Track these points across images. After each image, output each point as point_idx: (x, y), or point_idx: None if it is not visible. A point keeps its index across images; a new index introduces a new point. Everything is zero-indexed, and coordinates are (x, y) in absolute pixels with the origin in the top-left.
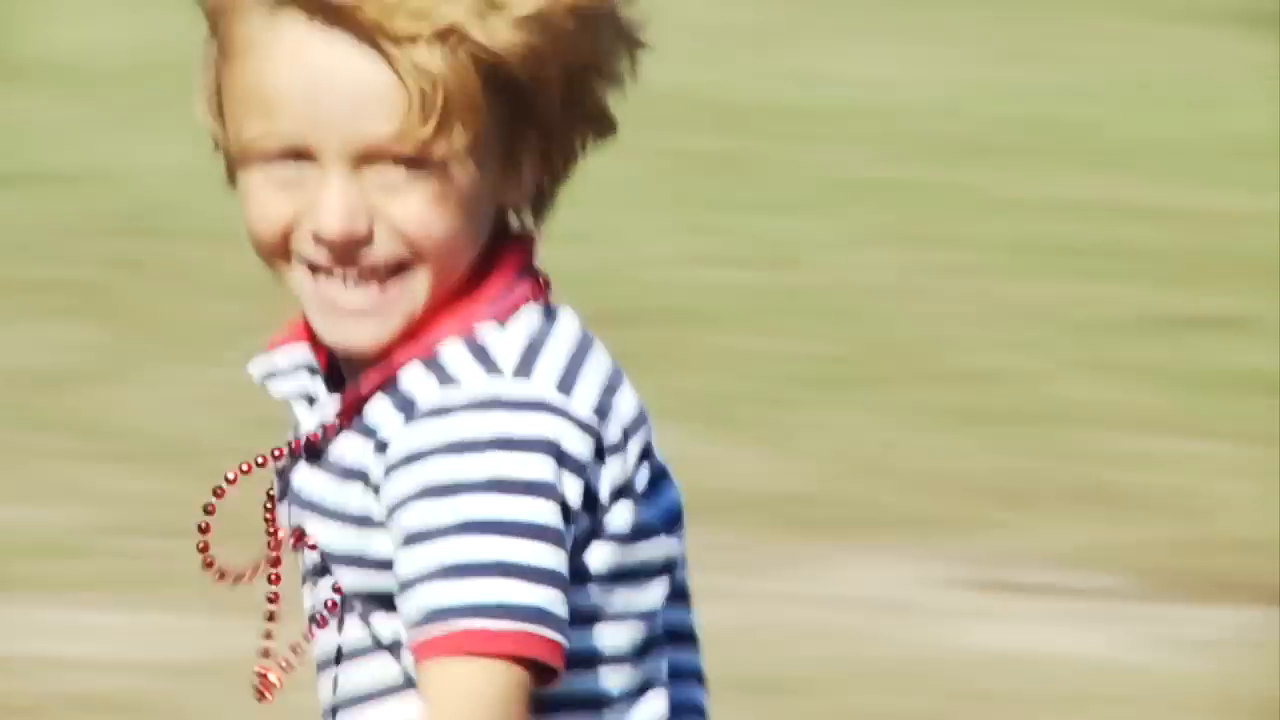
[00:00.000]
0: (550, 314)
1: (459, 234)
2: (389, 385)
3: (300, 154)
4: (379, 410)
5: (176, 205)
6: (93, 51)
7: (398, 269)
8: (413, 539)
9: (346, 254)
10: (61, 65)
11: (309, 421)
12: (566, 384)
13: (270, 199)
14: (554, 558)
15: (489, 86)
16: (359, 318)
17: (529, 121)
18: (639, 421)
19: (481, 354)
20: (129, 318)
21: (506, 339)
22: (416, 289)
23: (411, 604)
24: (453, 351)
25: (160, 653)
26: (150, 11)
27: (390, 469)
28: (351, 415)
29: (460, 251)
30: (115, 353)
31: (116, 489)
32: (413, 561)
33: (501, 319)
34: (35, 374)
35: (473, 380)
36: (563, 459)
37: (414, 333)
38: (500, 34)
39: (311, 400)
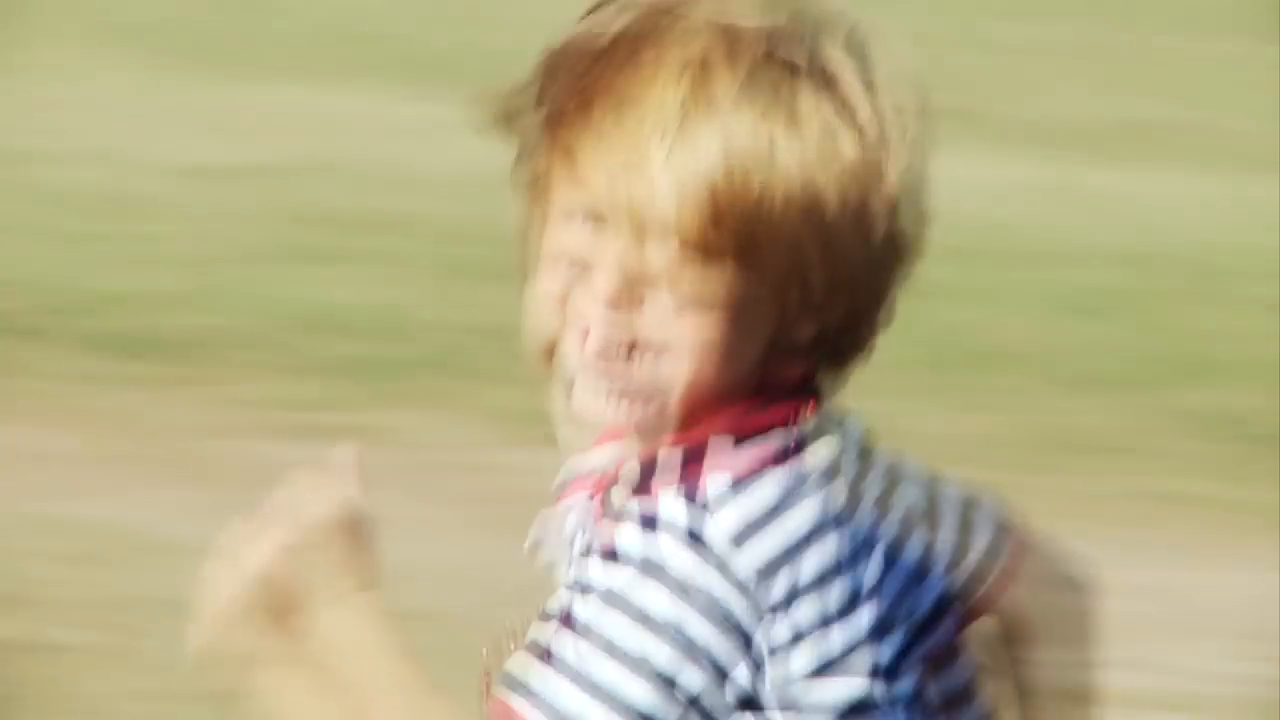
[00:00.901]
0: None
1: (714, 368)
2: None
3: (579, 266)
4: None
5: None
6: None
7: (653, 393)
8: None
9: (605, 369)
10: None
11: None
12: (742, 537)
13: (546, 311)
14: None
15: (756, 241)
16: (608, 436)
17: (793, 278)
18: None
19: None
20: None
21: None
22: (665, 416)
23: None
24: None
25: None
26: None
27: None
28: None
29: (712, 385)
30: None
31: None
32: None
33: (740, 477)
34: None
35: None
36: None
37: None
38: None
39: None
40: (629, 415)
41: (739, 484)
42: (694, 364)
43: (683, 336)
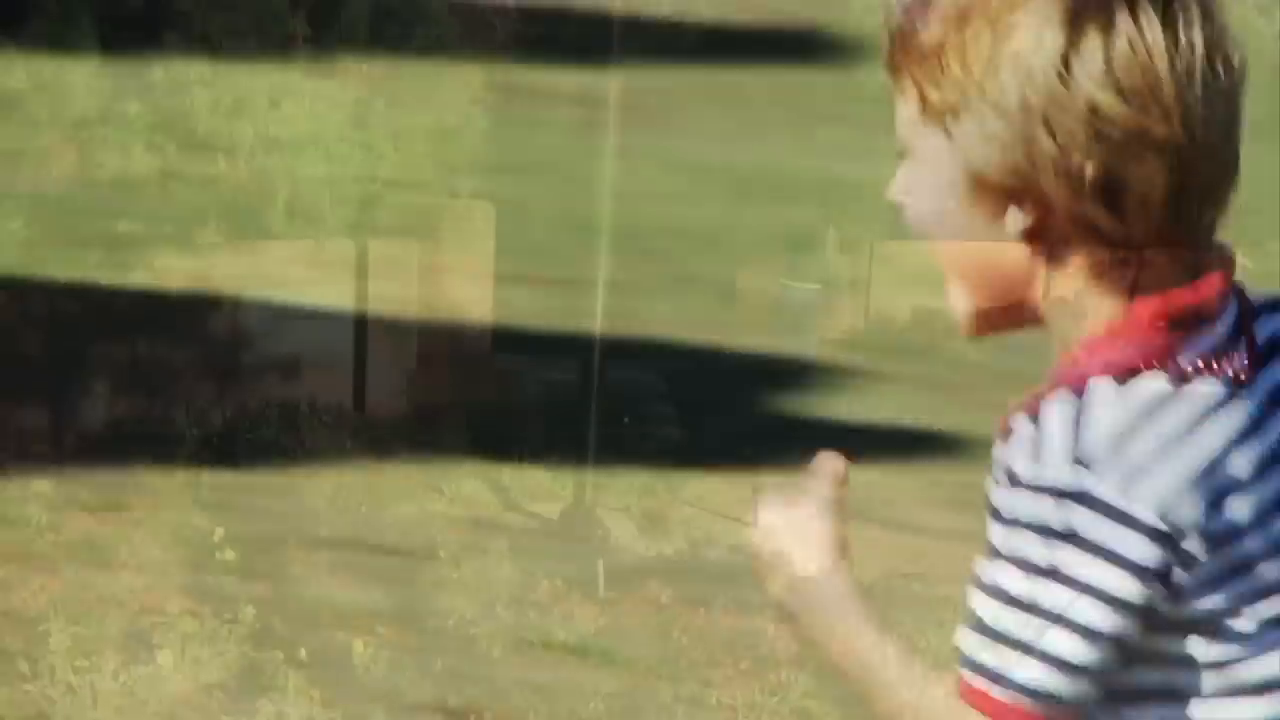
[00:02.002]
0: (1175, 384)
1: (934, 223)
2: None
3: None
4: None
5: None
6: None
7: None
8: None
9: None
10: None
11: None
12: (1133, 480)
13: None
14: (1089, 650)
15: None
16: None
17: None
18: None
19: (1066, 426)
20: None
21: (1096, 416)
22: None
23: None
24: (1048, 414)
25: None
26: None
27: (993, 516)
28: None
29: (952, 252)
30: None
31: None
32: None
33: (1118, 376)
34: None
35: (1049, 463)
36: (1124, 564)
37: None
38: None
39: None
40: (965, 293)
41: (1118, 381)
42: (910, 210)
43: (901, 182)
